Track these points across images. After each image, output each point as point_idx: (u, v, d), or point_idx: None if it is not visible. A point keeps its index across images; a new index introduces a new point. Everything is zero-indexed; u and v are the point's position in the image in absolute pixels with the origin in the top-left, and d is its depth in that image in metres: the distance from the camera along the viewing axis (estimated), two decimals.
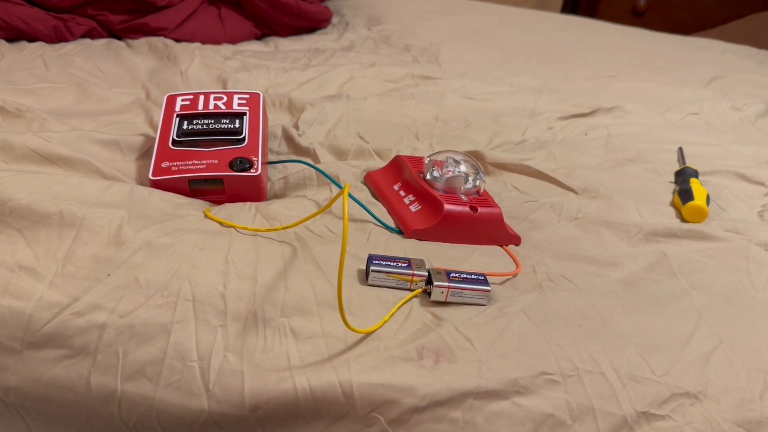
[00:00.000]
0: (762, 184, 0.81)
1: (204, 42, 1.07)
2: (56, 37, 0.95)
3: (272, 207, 0.58)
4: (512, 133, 0.89)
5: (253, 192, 0.60)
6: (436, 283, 0.49)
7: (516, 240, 0.61)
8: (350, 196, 0.61)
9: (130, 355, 0.45)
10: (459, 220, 0.58)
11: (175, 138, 0.62)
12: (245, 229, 0.53)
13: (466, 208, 0.59)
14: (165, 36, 1.04)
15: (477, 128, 0.88)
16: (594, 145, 0.88)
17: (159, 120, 0.65)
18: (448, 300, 0.50)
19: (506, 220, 0.61)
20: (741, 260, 0.61)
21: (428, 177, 0.63)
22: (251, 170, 0.59)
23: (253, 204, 0.59)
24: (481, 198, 0.62)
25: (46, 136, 0.59)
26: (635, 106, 1.01)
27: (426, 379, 0.44)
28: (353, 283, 0.50)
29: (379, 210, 0.62)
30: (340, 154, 0.75)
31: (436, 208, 0.59)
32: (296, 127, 0.80)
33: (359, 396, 0.43)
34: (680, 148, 0.87)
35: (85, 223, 0.50)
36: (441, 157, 0.64)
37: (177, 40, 1.05)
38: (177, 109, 0.66)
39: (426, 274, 0.51)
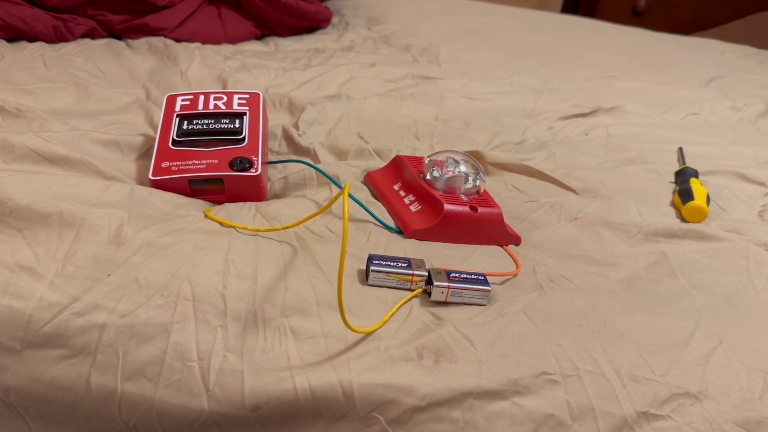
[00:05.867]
0: (762, 184, 0.81)
1: (204, 42, 1.07)
2: (56, 37, 0.95)
3: (272, 207, 0.58)
4: (512, 133, 0.89)
5: (253, 192, 0.60)
6: (436, 283, 0.49)
7: (516, 240, 0.61)
8: (350, 196, 0.61)
9: (130, 355, 0.45)
10: (459, 220, 0.58)
11: (175, 138, 0.62)
12: (245, 229, 0.53)
13: (466, 208, 0.59)
14: (165, 36, 1.04)
15: (477, 128, 0.88)
16: (594, 145, 0.88)
17: (159, 120, 0.65)
18: (448, 300, 0.50)
19: (506, 220, 0.61)
20: (741, 260, 0.61)
21: (428, 177, 0.63)
22: (251, 170, 0.59)
23: (253, 204, 0.59)
24: (481, 198, 0.62)
25: (46, 136, 0.59)
26: (635, 106, 1.01)
27: (426, 379, 0.44)
28: (353, 283, 0.50)
29: (379, 210, 0.62)
30: (340, 154, 0.75)
31: (436, 208, 0.59)
32: (296, 127, 0.80)
33: (359, 396, 0.43)
34: (680, 148, 0.87)
35: (85, 223, 0.50)
36: (441, 157, 0.64)
37: (177, 40, 1.05)
38: (177, 109, 0.66)
39: (426, 274, 0.51)
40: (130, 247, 0.49)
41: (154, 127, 0.74)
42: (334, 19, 1.37)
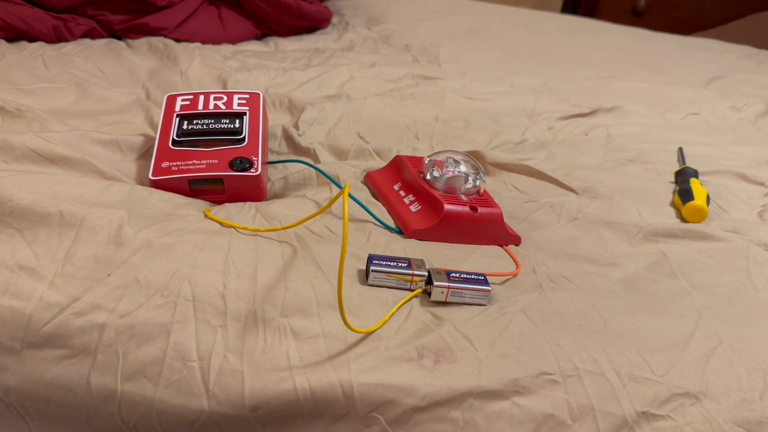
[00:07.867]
0: (762, 184, 0.81)
1: (204, 42, 1.08)
2: (56, 37, 0.95)
3: (272, 207, 0.58)
4: (512, 133, 0.89)
5: (253, 192, 0.60)
6: (436, 283, 0.49)
7: (516, 240, 0.61)
8: (350, 196, 0.61)
9: (130, 355, 0.45)
10: (459, 220, 0.58)
11: (175, 138, 0.62)
12: (245, 229, 0.53)
13: (466, 208, 0.59)
14: (165, 36, 1.04)
15: (477, 128, 0.88)
16: (594, 145, 0.88)
17: (159, 120, 0.65)
18: (448, 300, 0.50)
19: (506, 220, 0.61)
20: (741, 260, 0.61)
21: (428, 177, 0.63)
22: (251, 170, 0.59)
23: (253, 204, 0.59)
24: (481, 198, 0.62)
25: (46, 136, 0.59)
26: (635, 106, 1.01)
27: (426, 379, 0.44)
28: (353, 283, 0.50)
29: (379, 210, 0.62)
30: (340, 154, 0.75)
31: (436, 208, 0.59)
32: (296, 127, 0.80)
33: (359, 396, 0.43)
34: (680, 148, 0.87)
35: (85, 223, 0.50)
36: (441, 157, 0.64)
37: (177, 40, 1.05)
38: (177, 109, 0.66)
39: (426, 274, 0.51)
40: (130, 247, 0.49)
41: (154, 127, 0.74)
42: (334, 19, 1.37)
